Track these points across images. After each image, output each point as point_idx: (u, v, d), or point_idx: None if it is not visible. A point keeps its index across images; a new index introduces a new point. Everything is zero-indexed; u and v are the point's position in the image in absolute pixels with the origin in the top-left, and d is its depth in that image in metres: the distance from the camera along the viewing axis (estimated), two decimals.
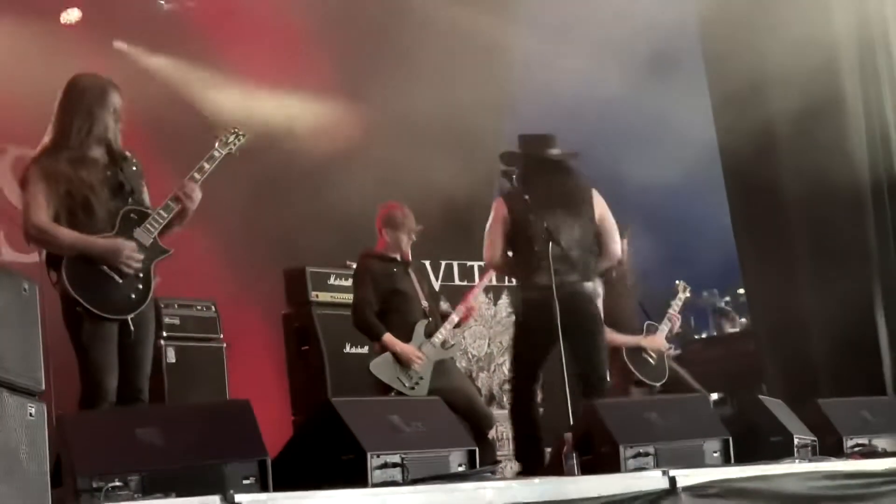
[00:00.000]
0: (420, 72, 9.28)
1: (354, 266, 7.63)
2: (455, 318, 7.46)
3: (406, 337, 7.23)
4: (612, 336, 8.08)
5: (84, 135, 5.46)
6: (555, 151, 7.09)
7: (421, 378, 7.18)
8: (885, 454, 6.41)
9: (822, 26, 8.73)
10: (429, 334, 7.31)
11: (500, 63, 9.82)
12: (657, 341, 8.31)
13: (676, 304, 8.62)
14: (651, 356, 8.26)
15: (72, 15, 8.81)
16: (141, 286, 5.45)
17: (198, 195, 5.57)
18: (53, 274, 5.38)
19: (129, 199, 5.54)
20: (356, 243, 7.93)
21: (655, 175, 10.67)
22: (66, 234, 5.35)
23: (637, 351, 8.22)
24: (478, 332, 9.28)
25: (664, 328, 8.42)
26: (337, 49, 9.30)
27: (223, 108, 8.73)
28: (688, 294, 8.78)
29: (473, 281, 8.93)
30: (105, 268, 5.35)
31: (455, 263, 9.30)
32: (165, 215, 5.52)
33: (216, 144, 5.73)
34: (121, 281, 5.38)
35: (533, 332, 6.90)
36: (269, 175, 8.51)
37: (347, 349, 8.47)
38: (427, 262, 8.90)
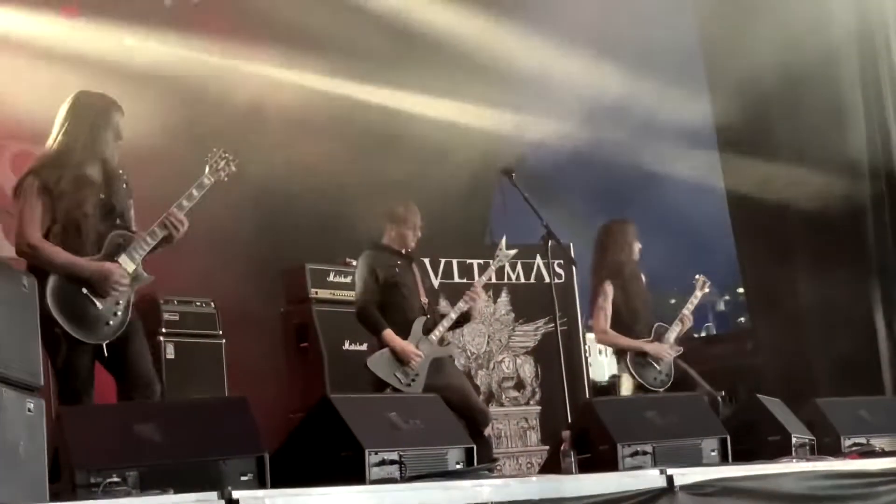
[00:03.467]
0: (421, 72, 9.29)
1: (355, 263, 7.63)
2: (453, 315, 7.44)
3: (404, 333, 7.23)
4: (617, 339, 8.01)
5: (87, 152, 5.47)
6: None
7: (417, 375, 7.17)
8: (883, 454, 6.40)
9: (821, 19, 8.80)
10: (426, 331, 7.30)
11: (502, 63, 9.82)
12: (661, 348, 7.96)
13: (693, 301, 8.27)
14: (655, 362, 8.04)
15: None
16: (119, 313, 5.43)
17: (185, 224, 5.53)
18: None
19: (118, 221, 5.54)
20: (355, 241, 7.95)
21: (656, 174, 10.68)
22: (59, 255, 5.33)
23: (642, 356, 7.94)
24: (477, 330, 9.25)
25: (675, 329, 8.06)
26: (342, 46, 9.30)
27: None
28: (706, 290, 8.40)
29: (472, 279, 8.92)
30: (87, 291, 5.34)
31: (455, 261, 9.28)
32: (151, 242, 5.51)
33: (206, 171, 5.66)
34: (100, 307, 5.37)
35: None
36: (269, 172, 8.49)
37: (346, 346, 8.46)
38: (427, 260, 8.89)
